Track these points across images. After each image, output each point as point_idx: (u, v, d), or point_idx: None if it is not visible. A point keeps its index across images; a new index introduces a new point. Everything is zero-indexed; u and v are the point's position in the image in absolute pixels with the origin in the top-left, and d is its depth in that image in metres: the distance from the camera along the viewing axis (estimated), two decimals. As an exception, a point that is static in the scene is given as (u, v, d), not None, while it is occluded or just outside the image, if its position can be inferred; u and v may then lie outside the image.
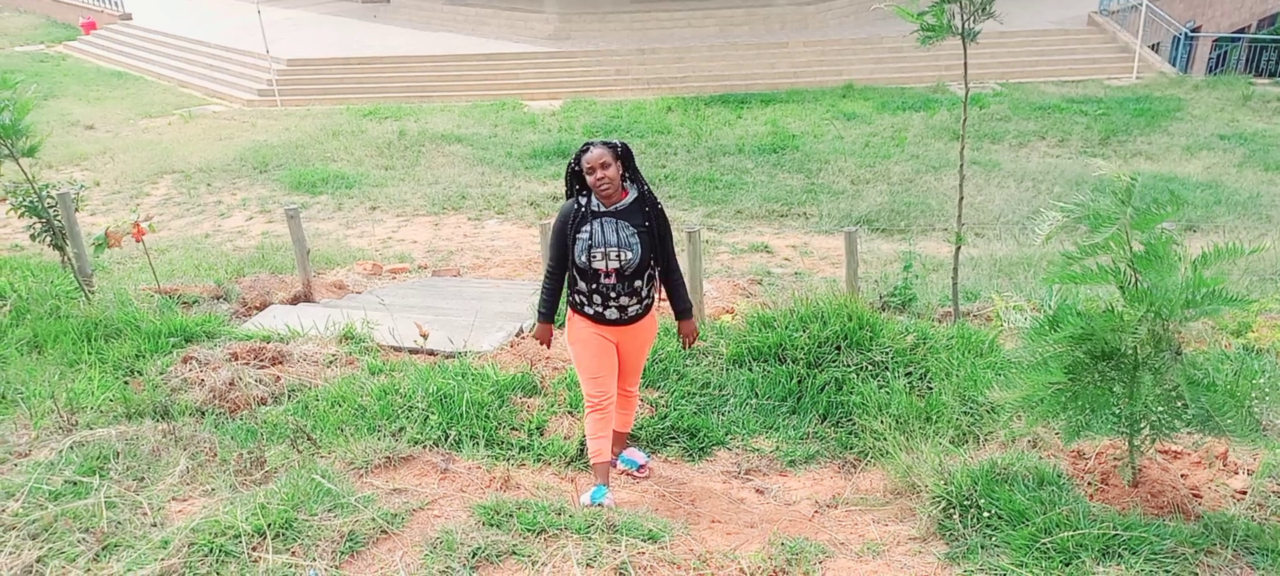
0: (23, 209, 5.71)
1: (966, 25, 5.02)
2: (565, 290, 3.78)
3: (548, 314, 3.79)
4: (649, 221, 3.60)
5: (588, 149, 3.56)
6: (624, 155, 3.60)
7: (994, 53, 17.04)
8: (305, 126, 14.89)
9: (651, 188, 3.72)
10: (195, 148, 13.67)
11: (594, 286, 3.61)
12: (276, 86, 17.37)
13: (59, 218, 5.74)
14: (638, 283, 3.62)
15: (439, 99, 17.17)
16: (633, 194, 3.61)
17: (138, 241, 6.13)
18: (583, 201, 3.59)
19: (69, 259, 5.81)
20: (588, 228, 3.55)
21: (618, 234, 3.54)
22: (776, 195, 11.03)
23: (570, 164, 3.63)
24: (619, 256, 3.54)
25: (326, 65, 18.23)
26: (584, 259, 3.55)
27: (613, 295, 3.60)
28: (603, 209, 3.56)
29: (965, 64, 5.51)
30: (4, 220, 9.61)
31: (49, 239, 5.80)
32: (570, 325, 3.77)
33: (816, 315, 4.99)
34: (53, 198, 5.72)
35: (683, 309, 3.83)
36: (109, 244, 6.07)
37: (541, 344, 3.85)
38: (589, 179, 3.53)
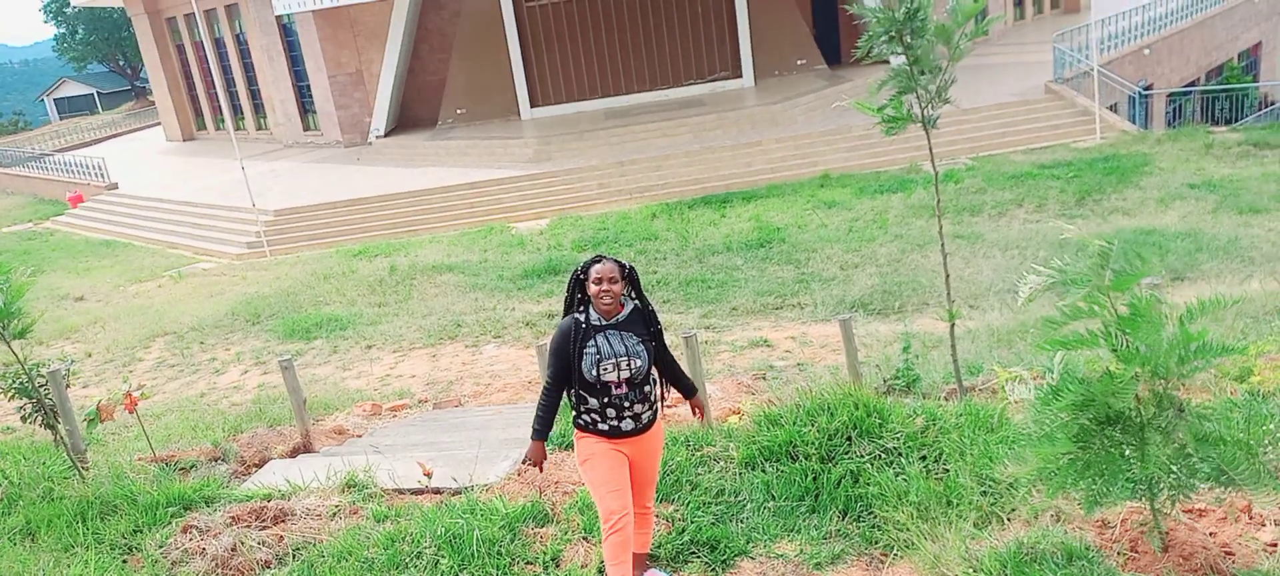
0: (13, 391, 5.67)
1: (925, 113, 5.18)
2: (570, 412, 3.75)
3: (543, 431, 3.73)
4: (651, 330, 3.68)
5: (599, 260, 3.62)
6: (630, 276, 3.67)
7: (960, 128, 17.53)
8: (295, 273, 15.02)
9: (650, 300, 3.78)
10: (186, 306, 13.74)
11: (606, 400, 3.59)
12: (264, 237, 17.62)
13: (50, 396, 5.69)
14: (647, 388, 3.65)
15: (427, 231, 17.43)
16: (629, 307, 3.66)
17: (130, 412, 6.07)
18: (581, 318, 3.60)
19: (61, 437, 5.73)
20: (593, 342, 3.56)
21: (624, 343, 3.58)
22: (769, 288, 11.11)
23: (577, 271, 3.67)
24: (629, 365, 3.56)
25: (313, 211, 18.56)
26: (594, 372, 3.54)
27: (626, 405, 3.60)
28: (603, 322, 3.59)
29: (930, 149, 5.65)
30: (-4, 402, 9.52)
31: (40, 419, 5.73)
32: (581, 446, 3.71)
33: (823, 407, 4.94)
34: (43, 377, 5.68)
35: (689, 388, 4.02)
36: (101, 418, 6.00)
37: (535, 465, 3.78)
38: (592, 288, 3.57)
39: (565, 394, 3.72)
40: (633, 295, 3.69)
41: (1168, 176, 14.10)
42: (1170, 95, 20.83)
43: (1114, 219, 12.43)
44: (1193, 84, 22.22)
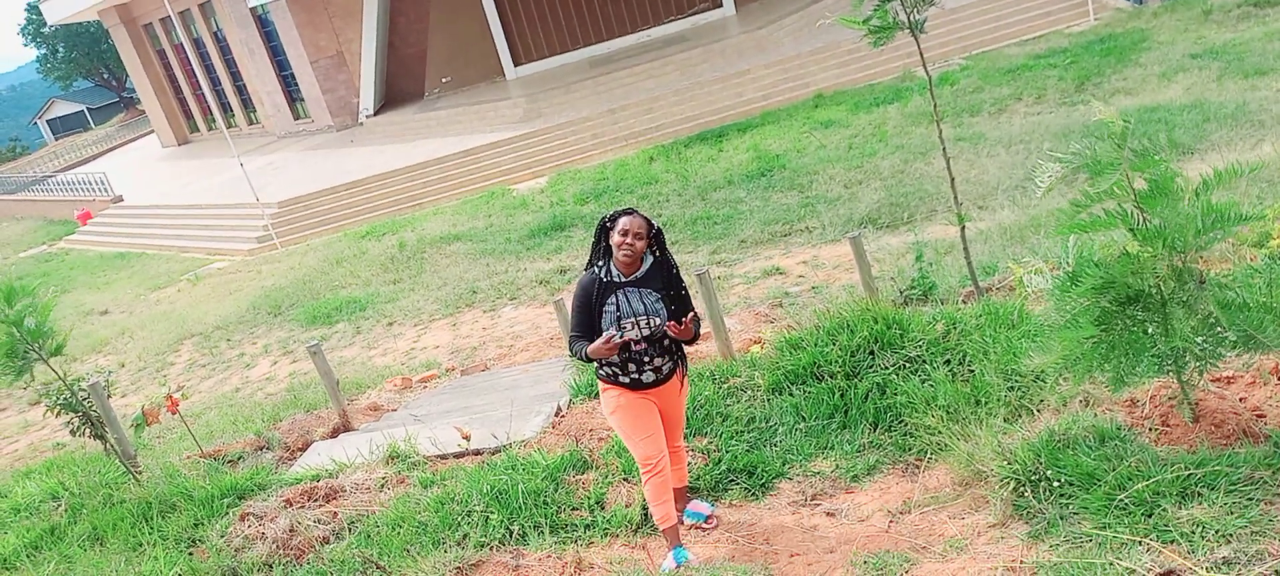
0: (59, 407, 5.84)
1: (911, 17, 5.13)
2: (594, 366, 3.81)
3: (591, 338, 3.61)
4: (671, 288, 3.66)
5: (630, 213, 3.58)
6: (657, 237, 3.66)
7: (950, 28, 17.25)
8: (308, 261, 15.14)
9: (675, 262, 3.74)
10: (208, 307, 13.91)
11: (627, 355, 3.65)
12: (273, 230, 17.71)
13: (94, 408, 5.85)
14: (666, 342, 3.68)
15: (430, 204, 17.45)
16: (648, 261, 3.66)
17: (173, 413, 6.23)
18: (601, 274, 3.62)
19: (111, 445, 5.91)
20: (613, 299, 3.58)
21: (643, 302, 3.60)
22: (775, 216, 11.11)
23: (604, 218, 3.65)
24: (649, 323, 3.59)
25: (316, 198, 18.59)
26: (615, 330, 3.58)
27: (646, 359, 3.65)
28: (622, 278, 3.60)
29: (921, 53, 5.60)
30: (42, 422, 9.75)
31: (89, 431, 5.91)
32: (606, 398, 3.78)
33: (843, 325, 5.02)
34: (85, 390, 5.84)
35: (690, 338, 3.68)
36: (146, 422, 6.17)
37: (611, 348, 3.49)
38: (615, 238, 3.55)
39: None
40: (655, 252, 3.68)
41: (1167, 49, 13.87)
42: (1165, -34, 20.29)
43: (1116, 100, 12.29)
44: (1187, -48, 21.59)
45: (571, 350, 3.75)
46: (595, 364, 3.76)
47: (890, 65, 16.72)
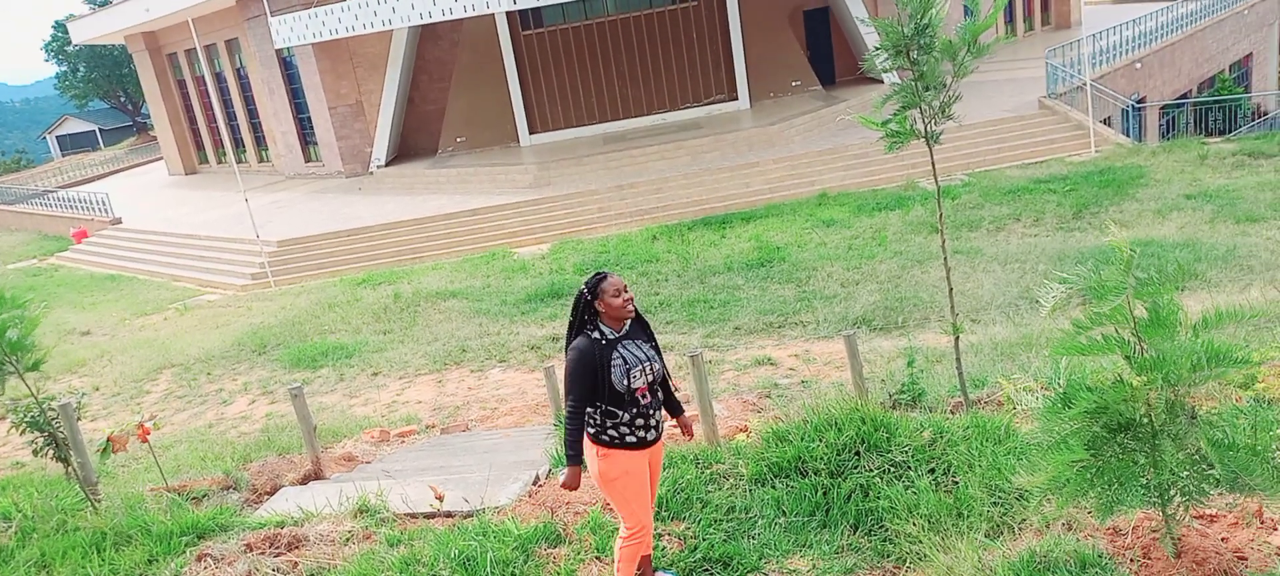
0: (25, 424, 5.70)
1: (929, 128, 5.25)
2: (591, 430, 3.75)
3: (578, 455, 3.71)
4: (651, 337, 3.81)
5: (604, 277, 3.68)
6: None
7: (956, 145, 17.67)
8: (300, 303, 15.08)
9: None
10: (193, 338, 13.78)
11: (635, 410, 3.66)
12: (269, 268, 17.70)
13: (61, 429, 5.71)
14: (660, 394, 3.81)
15: (430, 258, 17.51)
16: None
17: (144, 442, 6.10)
18: (596, 335, 3.65)
19: (73, 470, 5.75)
20: (617, 354, 3.64)
21: (641, 350, 3.70)
22: (771, 307, 11.16)
23: (582, 293, 3.67)
24: (651, 370, 3.70)
25: (316, 241, 18.65)
26: (625, 382, 3.61)
27: (651, 411, 3.71)
28: (617, 335, 3.66)
29: (933, 165, 5.72)
30: (5, 438, 9.54)
31: (52, 452, 5.75)
32: (608, 463, 3.69)
33: (830, 422, 4.98)
34: (55, 410, 5.71)
35: (678, 407, 4.09)
36: (114, 449, 6.03)
37: (573, 488, 3.73)
38: (614, 302, 3.63)
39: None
40: None
41: (1164, 187, 14.19)
42: (1163, 108, 20.99)
43: (1112, 231, 12.49)
44: (1185, 96, 22.40)
45: (571, 422, 3.66)
46: (596, 428, 3.68)
47: (895, 173, 17.06)
